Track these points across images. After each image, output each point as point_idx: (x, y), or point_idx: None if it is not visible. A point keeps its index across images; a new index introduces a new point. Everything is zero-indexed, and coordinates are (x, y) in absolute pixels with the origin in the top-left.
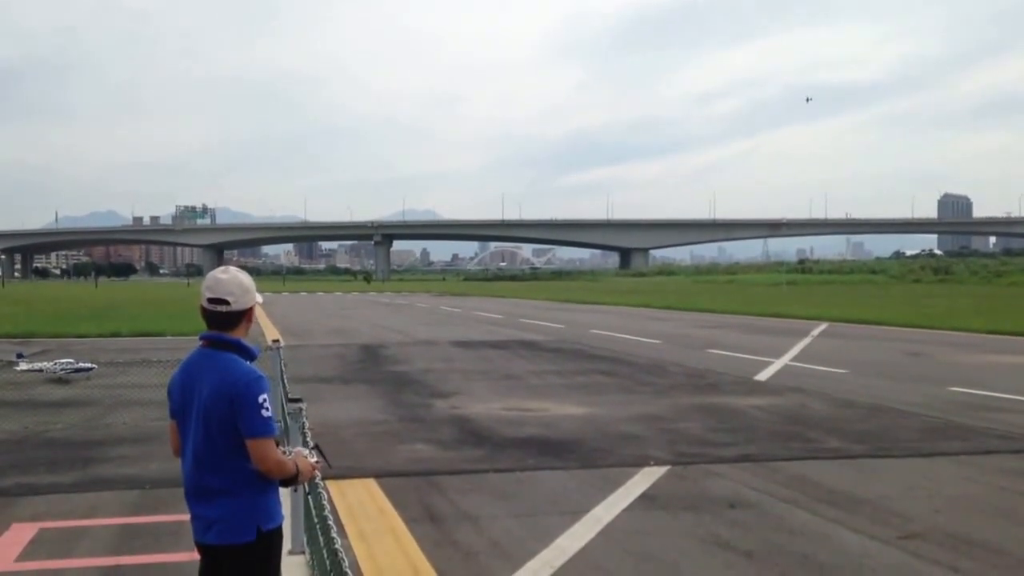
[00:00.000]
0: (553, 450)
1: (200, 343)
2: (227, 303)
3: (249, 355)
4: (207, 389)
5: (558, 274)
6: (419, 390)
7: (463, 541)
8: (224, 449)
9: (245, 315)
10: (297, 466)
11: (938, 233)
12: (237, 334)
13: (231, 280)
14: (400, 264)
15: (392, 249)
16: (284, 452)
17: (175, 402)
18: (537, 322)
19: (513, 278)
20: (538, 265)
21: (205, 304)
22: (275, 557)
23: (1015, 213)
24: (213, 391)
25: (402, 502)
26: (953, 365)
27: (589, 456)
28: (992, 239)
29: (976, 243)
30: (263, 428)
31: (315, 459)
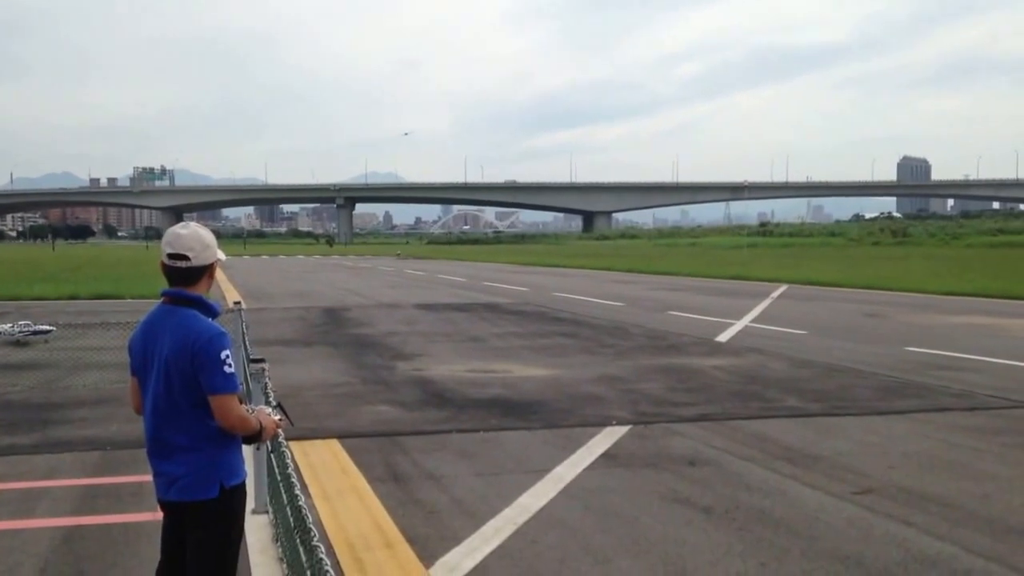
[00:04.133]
0: (516, 411)
1: (161, 300)
2: (187, 258)
3: (211, 312)
4: (168, 345)
5: (521, 237)
6: (382, 352)
7: (426, 500)
8: (186, 405)
9: (206, 271)
10: (260, 423)
11: (897, 196)
12: (198, 290)
13: (191, 235)
14: (363, 227)
15: (354, 212)
16: (247, 410)
17: (136, 359)
18: (500, 285)
19: (476, 241)
20: (501, 228)
21: (165, 260)
22: (239, 513)
23: (973, 176)
24: (174, 347)
25: (365, 462)
26: (909, 325)
27: (552, 416)
28: (950, 202)
29: (934, 205)
30: (225, 384)
31: (278, 417)
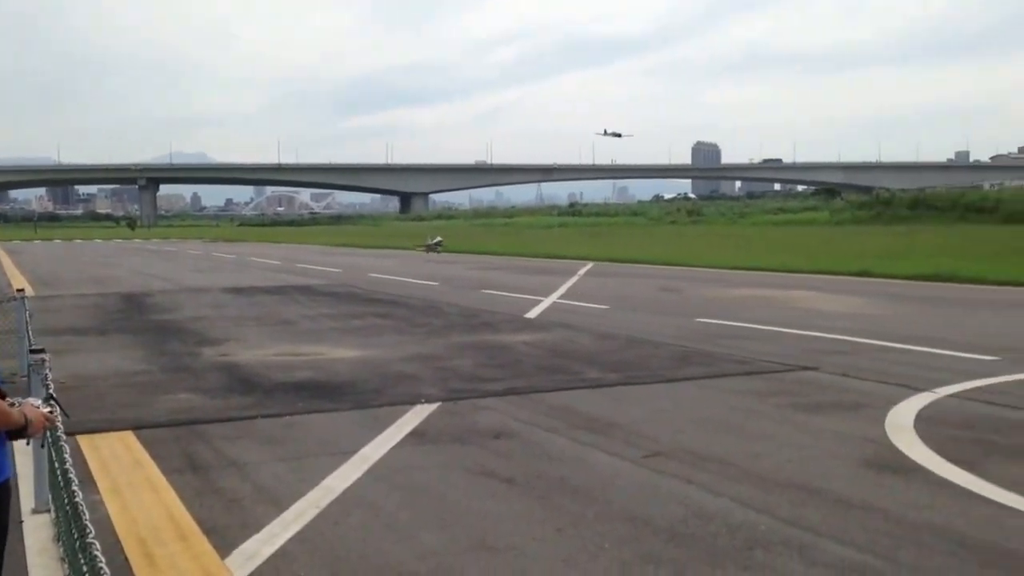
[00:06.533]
0: (325, 393)
1: None
2: None
3: None
4: None
5: (338, 219)
6: (186, 338)
7: (227, 488)
8: None
9: None
10: (26, 416)
11: (692, 178)
12: None
13: None
14: (168, 210)
15: (159, 194)
16: (12, 404)
17: None
18: (314, 267)
19: (291, 223)
20: (317, 210)
21: None
22: (2, 513)
23: (757, 160)
24: None
25: (162, 453)
26: (700, 298)
27: (361, 397)
28: (738, 183)
29: (724, 187)
30: None
31: (48, 409)
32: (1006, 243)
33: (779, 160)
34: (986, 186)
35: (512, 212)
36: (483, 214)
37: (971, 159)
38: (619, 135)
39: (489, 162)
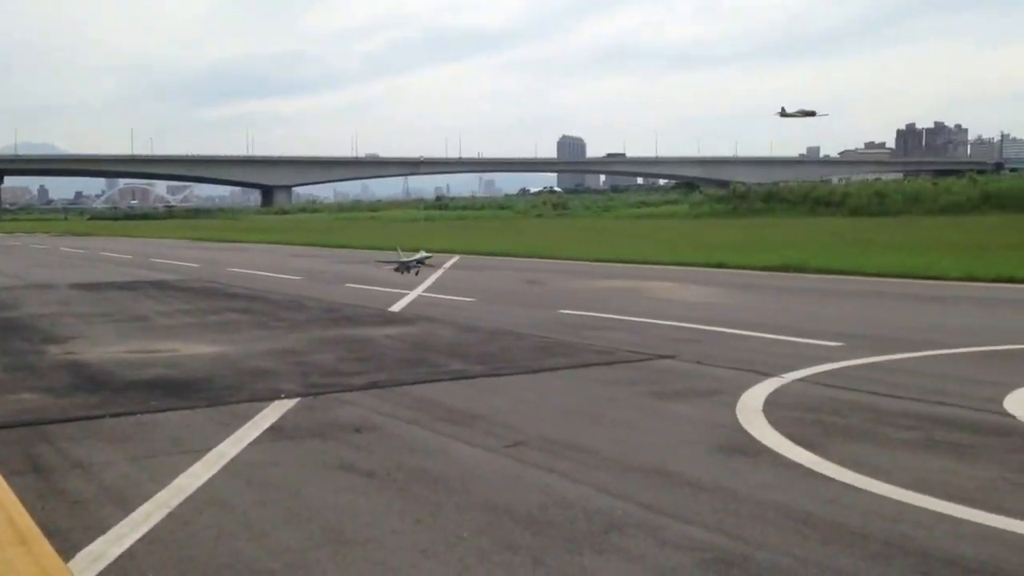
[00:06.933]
0: (179, 390)
1: None
2: None
3: None
4: None
5: (196, 212)
6: (29, 336)
7: (71, 490)
8: None
9: None
10: None
11: (557, 172)
12: None
13: None
14: (13, 203)
15: (3, 186)
16: None
17: None
18: (170, 261)
19: (145, 217)
20: (174, 203)
21: None
22: None
23: (604, 155)
24: None
25: (2, 455)
26: (563, 291)
27: (218, 394)
28: (602, 177)
29: (589, 181)
30: None
31: None
32: (851, 235)
33: (622, 155)
34: (834, 180)
35: (378, 206)
36: (348, 208)
37: (821, 154)
38: (813, 113)
39: (356, 155)
